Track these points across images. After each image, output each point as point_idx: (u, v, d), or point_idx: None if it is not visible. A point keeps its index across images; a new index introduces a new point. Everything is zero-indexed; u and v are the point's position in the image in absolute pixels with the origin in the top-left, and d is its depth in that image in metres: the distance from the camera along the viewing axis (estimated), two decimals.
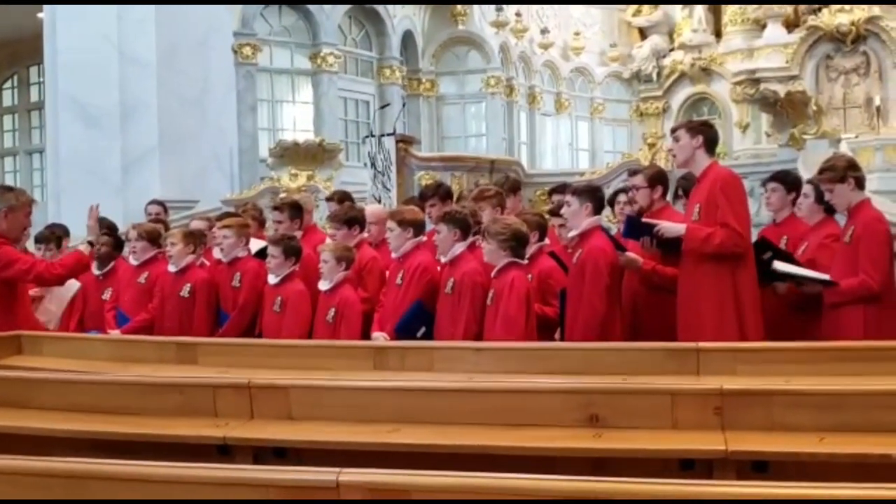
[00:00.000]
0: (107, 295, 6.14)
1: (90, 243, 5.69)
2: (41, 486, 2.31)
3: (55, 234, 6.69)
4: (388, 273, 5.44)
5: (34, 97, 16.63)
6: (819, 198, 4.91)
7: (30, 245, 6.84)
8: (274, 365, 4.36)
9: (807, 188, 5.10)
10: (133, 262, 5.99)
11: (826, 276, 4.55)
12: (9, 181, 16.87)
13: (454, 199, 6.43)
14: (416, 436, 3.18)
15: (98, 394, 3.70)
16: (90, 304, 6.18)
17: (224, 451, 3.28)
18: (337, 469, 2.16)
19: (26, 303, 5.64)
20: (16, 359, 4.88)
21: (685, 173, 5.41)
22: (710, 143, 4.71)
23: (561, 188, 6.23)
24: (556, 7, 19.70)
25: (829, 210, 4.93)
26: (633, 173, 5.45)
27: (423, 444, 3.11)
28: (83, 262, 5.60)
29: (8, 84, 17.16)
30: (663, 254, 4.80)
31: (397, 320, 5.07)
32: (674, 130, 4.85)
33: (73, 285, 5.98)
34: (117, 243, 6.33)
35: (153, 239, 6.01)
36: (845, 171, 4.58)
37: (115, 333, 5.62)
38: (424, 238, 5.33)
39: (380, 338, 5.00)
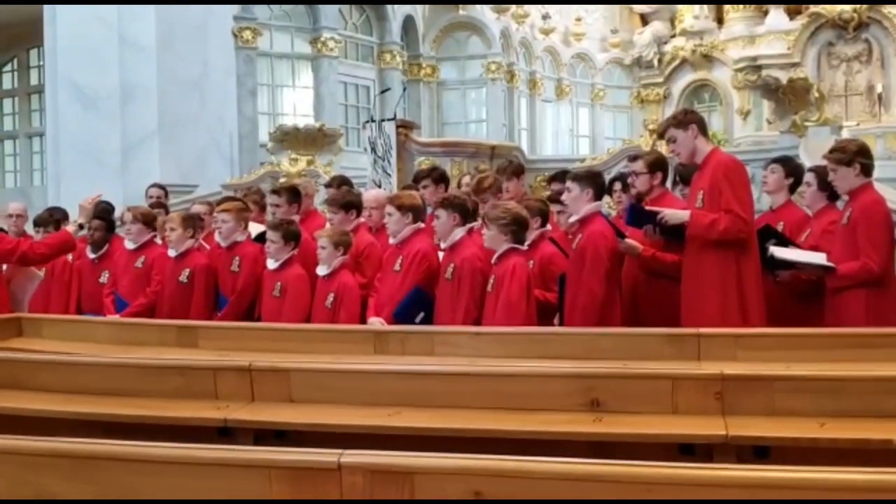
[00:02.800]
0: (104, 278, 6.11)
1: (80, 226, 5.69)
2: (42, 466, 2.31)
3: (54, 218, 6.69)
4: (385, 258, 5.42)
5: (34, 80, 16.56)
6: (821, 185, 4.89)
7: (28, 227, 6.84)
8: (274, 349, 4.35)
9: (809, 176, 5.06)
10: (129, 245, 5.95)
11: (827, 262, 4.54)
12: (9, 165, 16.87)
13: (453, 183, 6.40)
14: (417, 419, 3.18)
15: (98, 376, 3.71)
16: (86, 286, 6.17)
17: (225, 434, 3.28)
18: (339, 450, 2.16)
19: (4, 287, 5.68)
20: (16, 341, 4.89)
21: None
22: (702, 126, 4.68)
23: (560, 176, 6.19)
24: None
25: (832, 197, 4.91)
26: (633, 158, 5.42)
27: (423, 427, 3.11)
28: (69, 241, 5.60)
29: (8, 67, 17.08)
30: (667, 241, 4.78)
31: (394, 306, 5.04)
32: (662, 135, 4.81)
33: (35, 276, 5.96)
34: (109, 226, 6.32)
35: (148, 222, 5.99)
36: (854, 156, 4.55)
37: (114, 318, 5.61)
38: (423, 224, 5.31)
39: (376, 323, 4.97)
